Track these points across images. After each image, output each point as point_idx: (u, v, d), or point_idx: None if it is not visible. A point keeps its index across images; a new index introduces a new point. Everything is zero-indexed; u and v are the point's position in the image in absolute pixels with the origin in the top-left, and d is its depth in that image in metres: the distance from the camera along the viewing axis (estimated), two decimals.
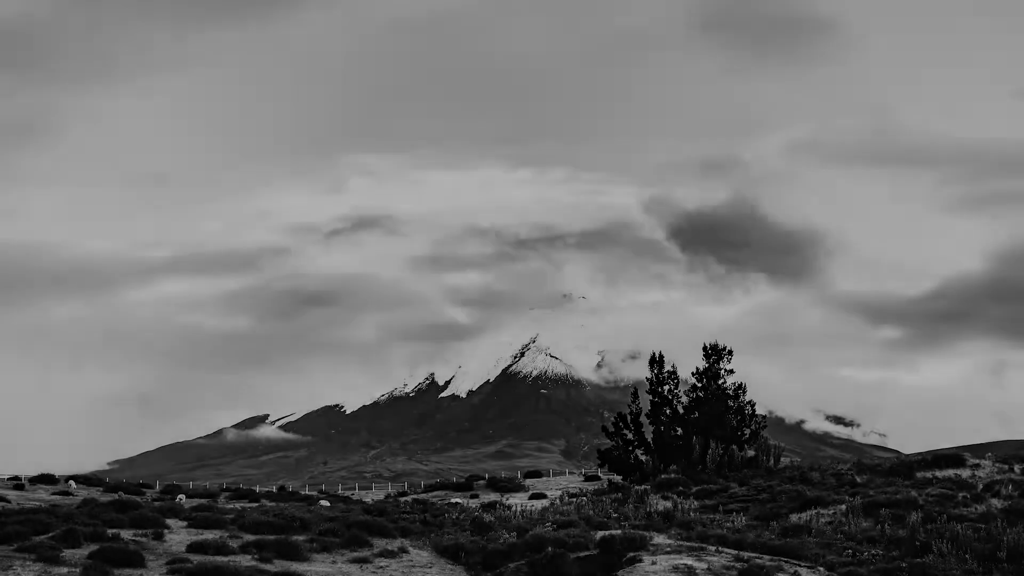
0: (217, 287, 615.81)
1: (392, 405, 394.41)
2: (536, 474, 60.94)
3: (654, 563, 16.78)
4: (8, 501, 29.49)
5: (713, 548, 18.21)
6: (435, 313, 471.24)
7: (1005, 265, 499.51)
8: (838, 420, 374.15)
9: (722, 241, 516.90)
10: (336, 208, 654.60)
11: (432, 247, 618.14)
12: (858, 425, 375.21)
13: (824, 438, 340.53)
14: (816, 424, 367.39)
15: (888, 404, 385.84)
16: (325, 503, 34.00)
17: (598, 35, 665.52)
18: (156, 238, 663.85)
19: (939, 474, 29.80)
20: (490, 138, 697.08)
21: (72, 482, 39.70)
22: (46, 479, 40.77)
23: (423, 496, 41.32)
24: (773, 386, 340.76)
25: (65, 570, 16.20)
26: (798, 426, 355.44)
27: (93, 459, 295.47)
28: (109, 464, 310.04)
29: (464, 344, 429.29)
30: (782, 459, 41.19)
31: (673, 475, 34.46)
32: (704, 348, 41.09)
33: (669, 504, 27.61)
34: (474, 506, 31.22)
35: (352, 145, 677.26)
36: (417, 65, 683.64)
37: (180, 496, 35.90)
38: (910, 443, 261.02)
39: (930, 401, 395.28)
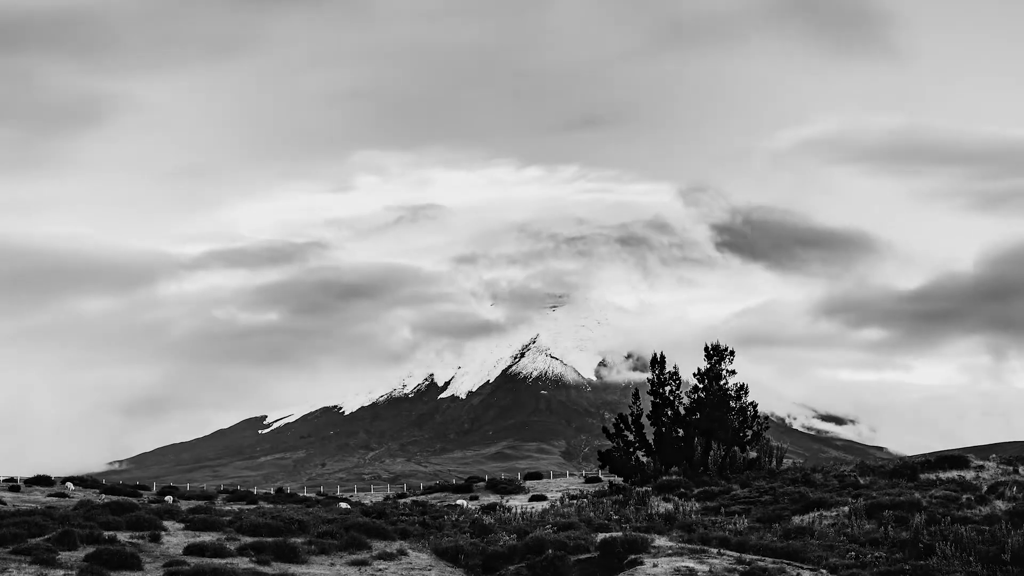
0: (235, 283, 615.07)
1: (391, 406, 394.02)
2: (536, 476, 60.73)
3: (655, 566, 16.62)
4: (4, 503, 29.30)
5: (715, 550, 18.08)
6: (461, 310, 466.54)
7: (1010, 263, 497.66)
8: (837, 421, 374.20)
9: (735, 239, 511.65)
10: (373, 202, 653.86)
11: (464, 245, 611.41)
12: (855, 423, 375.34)
13: (826, 439, 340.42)
14: (817, 425, 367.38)
15: (890, 404, 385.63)
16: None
17: (617, 30, 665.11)
18: (188, 232, 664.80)
19: (943, 476, 29.67)
20: (499, 135, 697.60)
21: (69, 484, 39.46)
22: (42, 481, 40.53)
23: (422, 498, 41.11)
24: (773, 387, 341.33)
25: (61, 573, 16.07)
26: (799, 428, 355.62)
27: (94, 460, 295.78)
28: (110, 464, 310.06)
29: (479, 343, 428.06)
30: (784, 461, 41.11)
31: (674, 477, 34.36)
32: (706, 348, 40.99)
33: (670, 506, 27.48)
34: (474, 508, 31.08)
35: (378, 142, 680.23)
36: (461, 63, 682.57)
37: (168, 497, 35.73)
38: (912, 445, 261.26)
39: (931, 401, 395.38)
